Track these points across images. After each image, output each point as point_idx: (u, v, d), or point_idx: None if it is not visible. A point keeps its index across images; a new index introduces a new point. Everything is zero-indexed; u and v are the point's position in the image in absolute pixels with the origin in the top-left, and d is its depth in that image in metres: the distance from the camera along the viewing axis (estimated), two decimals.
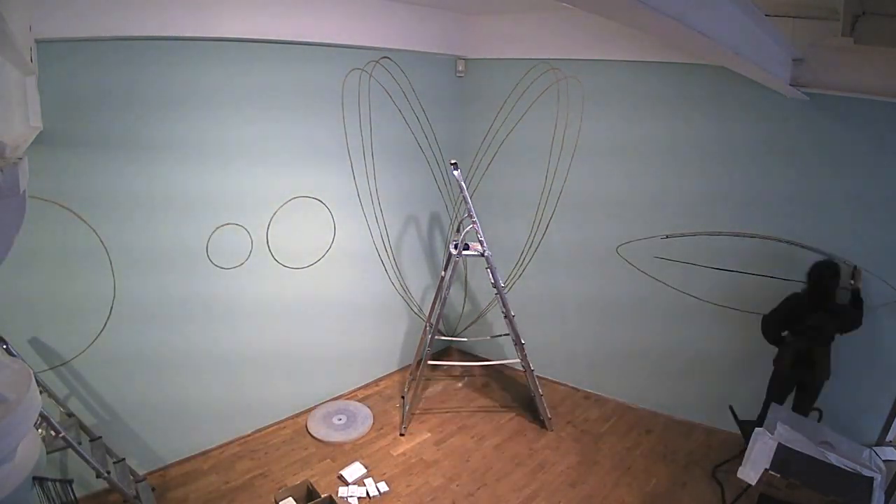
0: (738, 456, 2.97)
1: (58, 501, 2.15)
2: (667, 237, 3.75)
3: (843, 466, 2.68)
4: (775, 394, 3.30)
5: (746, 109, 3.33)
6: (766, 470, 2.53)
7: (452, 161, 3.53)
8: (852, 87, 2.80)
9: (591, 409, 4.13)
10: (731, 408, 3.27)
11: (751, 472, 2.65)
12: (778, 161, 3.31)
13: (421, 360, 3.80)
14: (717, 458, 3.46)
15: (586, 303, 4.21)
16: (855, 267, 3.15)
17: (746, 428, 3.01)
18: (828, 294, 3.05)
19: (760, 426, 3.12)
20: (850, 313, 3.06)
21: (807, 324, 3.08)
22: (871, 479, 2.57)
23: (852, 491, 2.52)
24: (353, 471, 3.30)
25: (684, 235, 3.67)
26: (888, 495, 2.58)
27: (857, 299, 3.08)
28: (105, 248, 2.75)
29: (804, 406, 3.27)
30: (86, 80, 2.52)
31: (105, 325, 2.83)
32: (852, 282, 3.14)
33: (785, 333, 3.22)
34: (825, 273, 3.05)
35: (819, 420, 3.07)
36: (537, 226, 4.28)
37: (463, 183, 3.47)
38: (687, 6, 1.33)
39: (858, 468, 2.65)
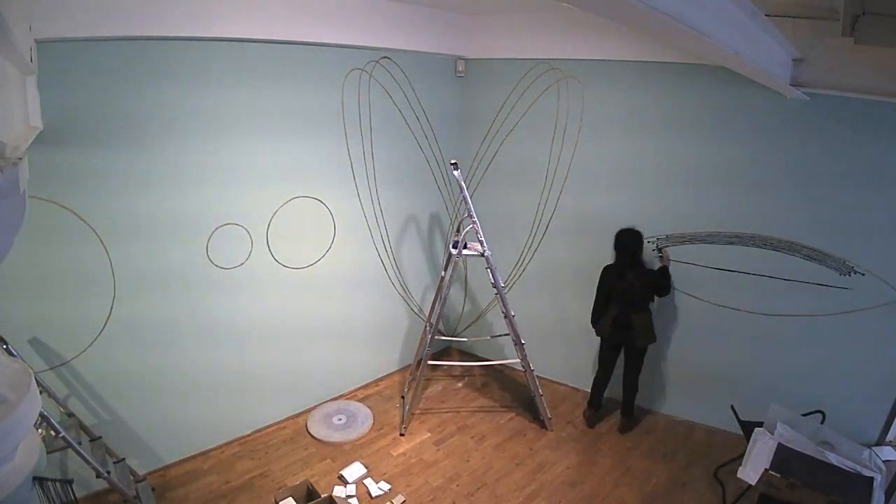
0: (739, 457, 2.97)
1: (58, 501, 2.15)
2: (666, 237, 3.76)
3: (843, 466, 2.68)
4: (602, 360, 3.80)
5: (746, 109, 3.33)
6: (766, 470, 2.53)
7: (452, 161, 3.53)
8: (852, 87, 2.80)
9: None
10: (732, 408, 3.28)
11: (751, 472, 2.66)
12: (777, 161, 3.31)
13: (421, 360, 3.80)
14: (718, 457, 3.46)
15: (586, 303, 4.19)
16: (661, 249, 3.72)
17: (748, 428, 3.07)
18: (633, 257, 3.52)
19: (600, 394, 3.79)
20: (658, 277, 3.54)
21: (619, 285, 3.52)
22: (871, 479, 2.57)
23: (852, 491, 2.52)
24: (353, 471, 3.30)
25: (684, 236, 3.68)
26: (888, 495, 2.58)
27: (665, 272, 3.57)
28: (105, 248, 2.75)
29: (631, 371, 3.74)
30: (86, 81, 2.52)
31: (105, 325, 2.83)
32: (660, 255, 3.69)
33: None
34: (629, 239, 3.52)
35: (822, 422, 3.07)
36: (537, 226, 4.28)
37: (463, 183, 3.47)
38: (687, 6, 1.32)
39: (859, 468, 2.65)
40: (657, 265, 3.66)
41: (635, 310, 3.54)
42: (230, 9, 2.82)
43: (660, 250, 3.71)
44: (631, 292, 3.50)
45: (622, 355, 3.78)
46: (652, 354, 4.00)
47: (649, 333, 3.59)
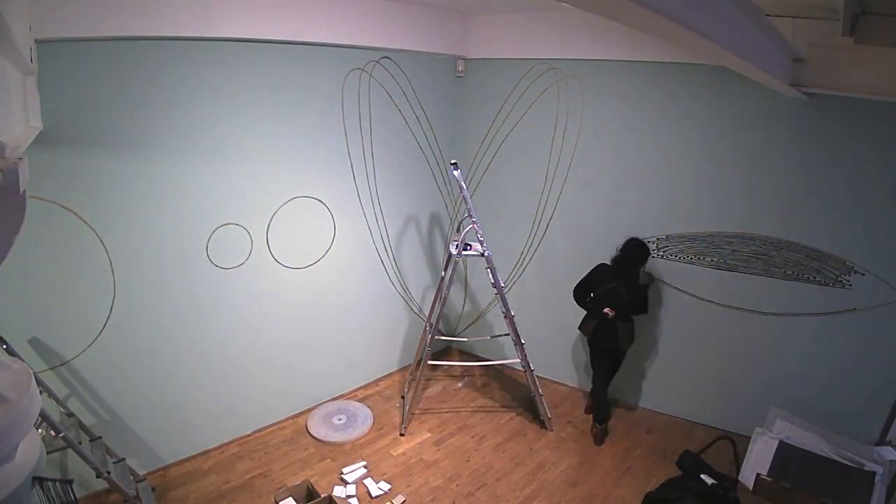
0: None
1: (58, 501, 2.15)
2: (666, 237, 3.76)
3: (844, 461, 2.68)
4: (594, 362, 3.79)
5: (746, 109, 3.34)
6: (757, 475, 2.53)
7: (452, 161, 3.53)
8: (852, 87, 2.80)
9: None
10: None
11: (749, 475, 2.66)
12: (777, 161, 3.31)
13: (421, 360, 3.80)
14: (718, 458, 3.44)
15: None
16: (650, 275, 3.81)
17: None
18: (629, 267, 3.53)
19: (601, 402, 3.74)
20: (642, 293, 3.59)
21: (606, 288, 3.55)
22: (873, 473, 2.57)
23: (853, 486, 2.52)
24: (353, 471, 3.30)
25: (684, 236, 3.68)
26: (889, 492, 2.58)
27: (644, 293, 3.63)
28: (105, 248, 2.75)
29: (610, 370, 3.76)
30: (86, 80, 2.52)
31: (105, 325, 2.83)
32: (648, 282, 3.74)
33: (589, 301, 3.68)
34: (635, 249, 3.53)
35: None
36: (537, 226, 4.28)
37: (463, 183, 3.48)
38: (687, 6, 1.33)
39: (862, 462, 2.65)
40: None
41: (622, 320, 3.57)
42: (230, 9, 2.82)
43: (651, 278, 3.80)
44: (616, 298, 3.51)
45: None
46: (652, 354, 4.01)
47: (628, 337, 3.64)
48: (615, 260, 3.59)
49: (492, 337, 4.54)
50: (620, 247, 3.59)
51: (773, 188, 3.35)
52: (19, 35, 1.42)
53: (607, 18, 1.39)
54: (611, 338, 3.60)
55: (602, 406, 3.73)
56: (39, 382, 2.40)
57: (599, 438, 3.71)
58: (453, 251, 3.55)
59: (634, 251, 3.52)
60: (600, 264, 3.64)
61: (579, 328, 3.80)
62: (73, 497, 2.32)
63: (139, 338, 2.98)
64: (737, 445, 3.23)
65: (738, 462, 3.09)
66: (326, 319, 3.90)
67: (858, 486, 2.53)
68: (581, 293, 3.69)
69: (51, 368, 2.71)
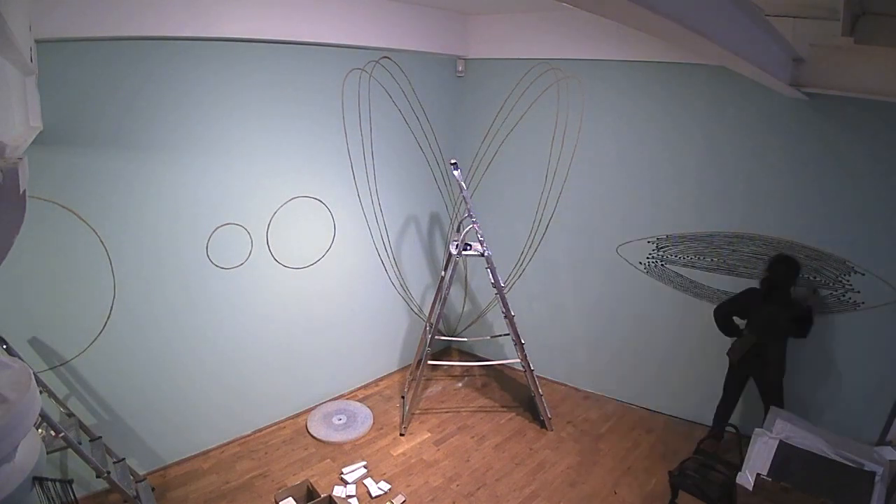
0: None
1: (58, 501, 2.15)
2: (666, 237, 3.76)
3: (844, 462, 2.67)
4: (728, 388, 3.50)
5: (746, 109, 3.33)
6: (758, 475, 2.53)
7: (452, 161, 3.53)
8: (852, 87, 2.79)
9: (591, 409, 4.13)
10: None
11: (749, 476, 2.65)
12: (777, 161, 3.31)
13: (421, 360, 3.80)
14: (717, 458, 3.44)
15: (586, 303, 4.21)
16: (815, 289, 3.31)
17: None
18: (782, 287, 3.16)
19: (723, 424, 3.40)
20: (803, 315, 3.16)
21: (760, 314, 3.22)
22: (873, 473, 2.56)
23: (853, 486, 2.52)
24: (353, 471, 3.30)
25: (684, 236, 3.67)
26: (889, 492, 2.57)
27: (808, 315, 3.18)
28: (105, 248, 2.75)
29: (769, 404, 3.33)
30: (86, 80, 2.52)
31: (105, 325, 2.83)
32: (809, 300, 3.25)
33: (743, 327, 3.34)
34: (784, 267, 3.16)
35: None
36: (537, 226, 4.28)
37: (463, 183, 3.48)
38: (687, 6, 1.32)
39: (862, 462, 2.65)
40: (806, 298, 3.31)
41: (774, 345, 3.24)
42: (230, 9, 2.82)
43: (814, 291, 3.31)
44: (772, 326, 3.19)
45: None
46: (652, 355, 4.00)
47: (780, 367, 3.27)
48: (764, 282, 3.23)
49: (492, 337, 4.54)
50: (768, 265, 3.23)
51: (773, 188, 3.35)
52: (19, 35, 1.41)
53: (607, 18, 1.39)
54: (759, 365, 3.28)
55: (719, 419, 3.51)
56: (39, 382, 2.40)
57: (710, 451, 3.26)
58: (453, 251, 3.55)
59: (782, 270, 3.15)
60: (750, 289, 3.31)
61: (727, 353, 3.40)
62: (73, 497, 2.32)
63: (139, 338, 2.98)
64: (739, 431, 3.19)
65: (741, 450, 3.07)
66: (326, 319, 3.90)
67: (858, 486, 2.53)
68: (725, 314, 3.35)
69: (51, 368, 2.71)
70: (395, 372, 4.57)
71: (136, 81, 2.69)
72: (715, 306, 3.41)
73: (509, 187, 4.34)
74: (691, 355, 3.83)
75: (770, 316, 3.18)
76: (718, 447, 3.44)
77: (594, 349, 4.26)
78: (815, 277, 3.29)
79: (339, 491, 3.13)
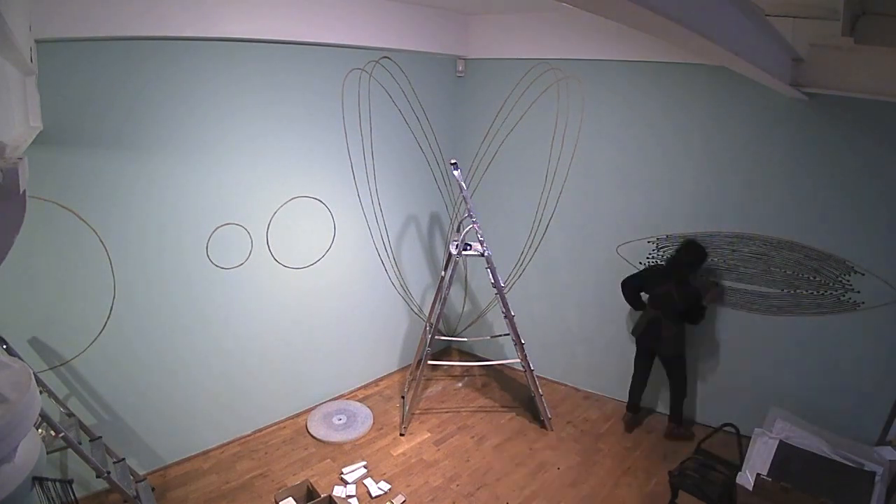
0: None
1: (58, 501, 2.15)
2: (666, 237, 3.76)
3: (844, 462, 2.68)
4: (636, 362, 3.80)
5: (746, 110, 3.34)
6: (758, 475, 2.53)
7: (452, 161, 3.53)
8: (852, 87, 2.80)
9: (591, 409, 4.13)
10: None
11: (749, 476, 2.65)
12: (777, 161, 3.31)
13: (421, 360, 3.80)
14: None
15: (586, 303, 4.21)
16: (717, 283, 3.57)
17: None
18: (683, 270, 3.42)
19: (636, 397, 3.82)
20: (696, 299, 3.41)
21: (657, 290, 3.50)
22: (873, 473, 2.57)
23: (853, 486, 2.52)
24: (353, 471, 3.30)
25: (684, 236, 3.67)
26: (889, 492, 2.57)
27: (698, 300, 3.43)
28: (105, 248, 2.75)
29: (671, 379, 3.68)
30: (86, 80, 2.52)
31: (105, 325, 2.83)
32: (709, 289, 3.51)
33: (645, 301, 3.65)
34: (690, 251, 3.42)
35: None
36: (537, 226, 4.28)
37: (463, 183, 3.48)
38: (687, 6, 1.32)
39: (862, 462, 2.65)
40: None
41: (668, 322, 3.49)
42: (230, 9, 2.82)
43: (716, 284, 3.58)
44: (670, 306, 3.45)
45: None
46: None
47: (675, 345, 3.55)
48: (669, 260, 3.54)
49: (492, 337, 4.55)
50: (678, 248, 3.52)
51: (772, 188, 3.35)
52: (19, 35, 1.41)
53: (607, 18, 1.39)
54: (655, 340, 3.59)
55: (633, 393, 3.83)
56: (39, 382, 2.40)
57: (628, 426, 3.82)
58: (453, 251, 3.55)
59: (689, 253, 3.42)
60: (654, 265, 3.67)
61: (631, 330, 3.79)
62: (73, 497, 2.32)
63: (139, 338, 2.98)
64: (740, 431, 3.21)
65: (741, 450, 3.08)
66: (326, 319, 3.90)
67: (858, 486, 2.53)
68: (630, 287, 3.64)
69: (51, 368, 2.71)
70: (395, 372, 4.57)
71: (137, 81, 2.69)
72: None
73: (509, 187, 4.34)
74: (690, 356, 3.82)
75: (666, 294, 3.44)
76: (634, 421, 3.86)
77: (594, 349, 4.26)
78: (814, 277, 3.30)
79: (339, 491, 3.13)
